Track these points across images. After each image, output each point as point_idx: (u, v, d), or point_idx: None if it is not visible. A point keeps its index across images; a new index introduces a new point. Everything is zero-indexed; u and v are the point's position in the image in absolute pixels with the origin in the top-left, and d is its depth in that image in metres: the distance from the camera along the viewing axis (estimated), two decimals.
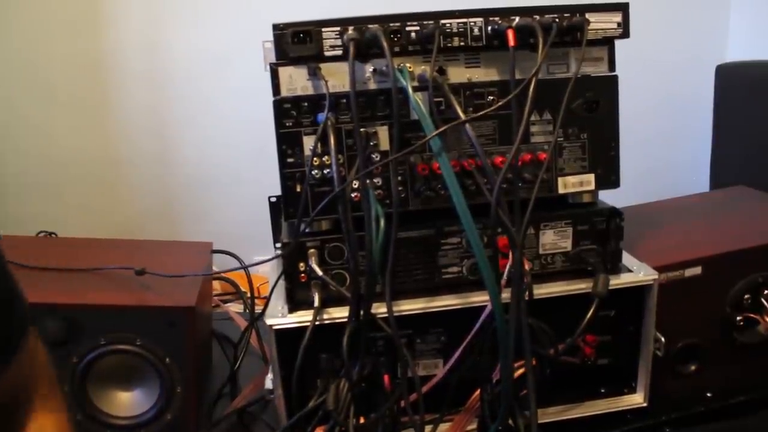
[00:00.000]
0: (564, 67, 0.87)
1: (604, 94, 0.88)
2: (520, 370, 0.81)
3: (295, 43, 0.80)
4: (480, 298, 0.85)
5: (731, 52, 1.82)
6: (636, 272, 0.91)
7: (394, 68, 0.78)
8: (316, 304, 0.85)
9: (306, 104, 0.83)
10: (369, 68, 0.83)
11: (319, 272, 0.85)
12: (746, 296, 0.98)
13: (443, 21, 0.82)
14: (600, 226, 0.90)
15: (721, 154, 1.69)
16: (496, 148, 0.87)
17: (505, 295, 0.78)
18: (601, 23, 0.84)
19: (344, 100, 0.82)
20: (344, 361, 0.81)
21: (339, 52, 0.81)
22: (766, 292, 0.99)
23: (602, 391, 0.97)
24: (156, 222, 1.69)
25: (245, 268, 1.12)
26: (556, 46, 0.83)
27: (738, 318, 0.98)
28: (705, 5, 1.83)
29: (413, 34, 0.81)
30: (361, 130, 0.82)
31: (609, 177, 0.90)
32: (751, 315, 0.99)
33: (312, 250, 0.85)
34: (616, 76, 0.88)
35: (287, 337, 0.84)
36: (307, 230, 0.85)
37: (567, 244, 0.90)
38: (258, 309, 1.14)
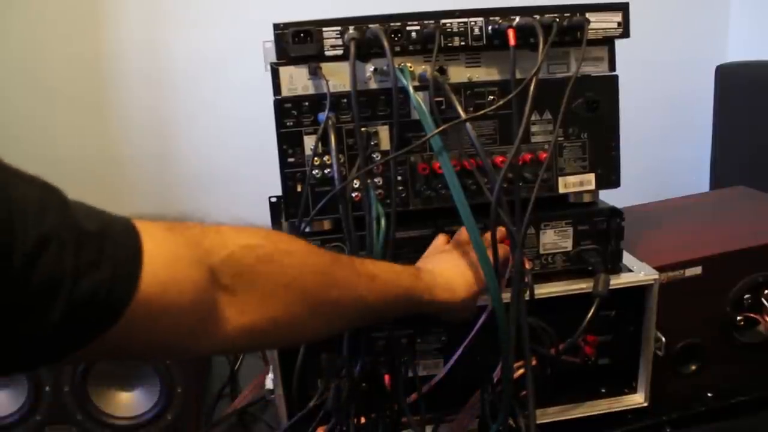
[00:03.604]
0: (564, 67, 0.87)
1: (604, 94, 0.88)
2: (521, 370, 0.81)
3: (296, 42, 0.80)
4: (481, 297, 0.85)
5: (731, 52, 1.82)
6: (636, 272, 0.91)
7: (394, 68, 0.78)
8: None
9: (307, 104, 0.83)
10: (370, 68, 0.83)
11: None
12: (746, 296, 0.98)
13: (444, 21, 0.82)
14: (600, 226, 0.90)
15: (721, 154, 1.69)
16: (497, 147, 0.87)
17: (506, 294, 0.78)
18: (601, 23, 0.84)
19: (345, 100, 0.82)
20: (345, 361, 0.81)
21: (340, 52, 0.81)
22: (766, 291, 0.99)
23: (603, 390, 0.97)
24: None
25: None
26: (557, 46, 0.83)
27: (738, 318, 0.99)
28: (705, 5, 1.83)
29: (414, 34, 0.81)
30: (362, 129, 0.82)
31: (609, 177, 0.90)
32: (752, 315, 0.99)
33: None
34: (616, 76, 0.88)
35: None
36: (307, 230, 0.85)
37: (567, 244, 0.90)
38: None
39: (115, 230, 0.47)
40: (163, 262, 0.48)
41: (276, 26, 0.80)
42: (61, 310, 0.42)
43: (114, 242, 0.46)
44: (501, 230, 0.78)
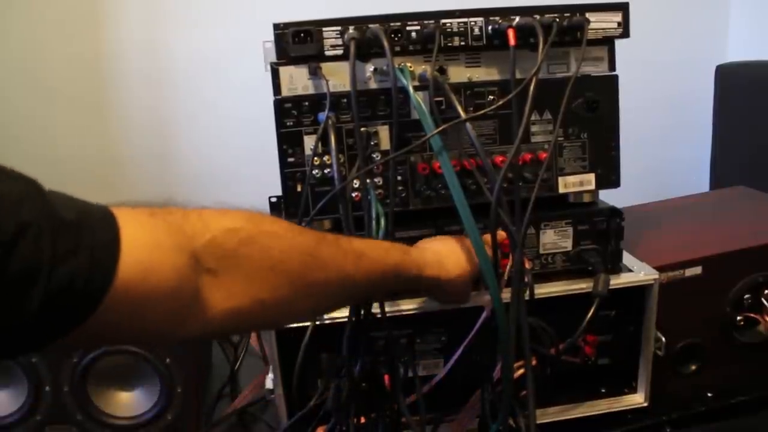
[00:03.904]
0: (564, 67, 0.87)
1: (604, 94, 0.88)
2: (521, 370, 0.81)
3: (296, 42, 0.80)
4: (480, 297, 0.85)
5: (731, 52, 1.82)
6: (636, 272, 0.91)
7: (394, 68, 0.78)
8: None
9: (307, 104, 0.83)
10: (370, 68, 0.83)
11: None
12: (746, 296, 0.98)
13: (444, 20, 0.82)
14: (600, 226, 0.90)
15: (721, 154, 1.69)
16: (497, 147, 0.87)
17: (506, 294, 0.78)
18: (601, 23, 0.84)
19: (345, 100, 0.82)
20: (345, 361, 0.81)
21: (340, 52, 0.81)
22: (766, 292, 0.99)
23: (603, 390, 0.97)
24: None
25: None
26: (557, 46, 0.83)
27: (738, 318, 0.99)
28: (705, 5, 1.83)
29: (414, 34, 0.81)
30: (362, 129, 0.83)
31: (609, 177, 0.90)
32: (752, 315, 0.99)
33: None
34: (616, 76, 0.88)
35: (288, 337, 0.84)
36: None
37: (567, 244, 0.90)
38: None
39: (93, 218, 0.47)
40: (142, 249, 0.48)
41: (276, 26, 0.80)
42: (39, 298, 0.42)
43: (92, 230, 0.46)
44: (501, 233, 0.78)
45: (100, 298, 0.45)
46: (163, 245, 0.50)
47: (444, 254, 0.77)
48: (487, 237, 0.77)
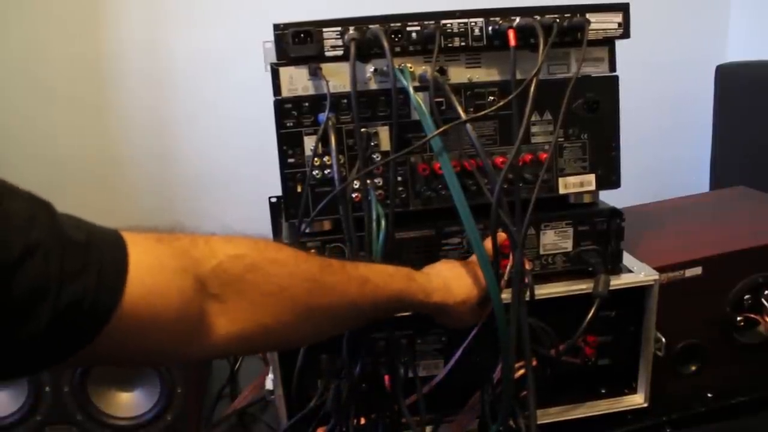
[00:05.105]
0: (565, 68, 0.87)
1: (604, 95, 0.88)
2: (521, 371, 0.81)
3: (296, 43, 0.80)
4: None
5: (731, 52, 1.82)
6: (636, 273, 0.91)
7: (394, 68, 0.78)
8: None
9: (307, 104, 0.83)
10: (370, 68, 0.83)
11: None
12: (746, 296, 0.98)
13: (444, 21, 0.82)
14: (601, 227, 0.90)
15: (721, 154, 1.69)
16: (497, 148, 0.87)
17: (506, 295, 0.78)
18: (601, 23, 0.84)
19: (345, 101, 0.82)
20: (345, 362, 0.81)
21: (340, 53, 0.81)
22: (766, 292, 0.99)
23: (603, 391, 0.97)
24: (156, 222, 1.69)
25: None
26: (557, 47, 0.83)
27: (738, 318, 0.99)
28: (705, 5, 1.83)
29: (414, 35, 0.81)
30: (362, 130, 0.83)
31: (609, 177, 0.90)
32: (752, 315, 0.99)
33: (312, 251, 0.85)
34: (616, 77, 0.88)
35: None
36: (307, 230, 0.85)
37: (568, 245, 0.90)
38: None
39: (102, 240, 0.48)
40: (149, 271, 0.49)
41: (276, 27, 0.80)
42: (48, 315, 0.42)
43: (100, 251, 0.46)
44: (501, 234, 0.78)
45: (107, 317, 0.46)
46: (170, 269, 0.51)
47: (450, 279, 0.77)
48: (488, 241, 0.77)
